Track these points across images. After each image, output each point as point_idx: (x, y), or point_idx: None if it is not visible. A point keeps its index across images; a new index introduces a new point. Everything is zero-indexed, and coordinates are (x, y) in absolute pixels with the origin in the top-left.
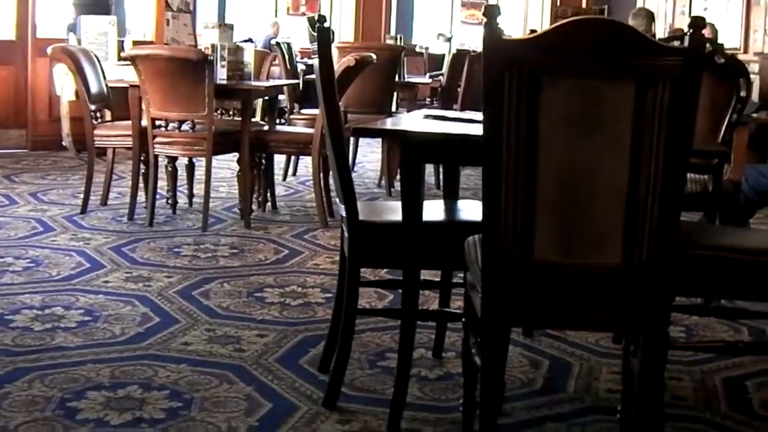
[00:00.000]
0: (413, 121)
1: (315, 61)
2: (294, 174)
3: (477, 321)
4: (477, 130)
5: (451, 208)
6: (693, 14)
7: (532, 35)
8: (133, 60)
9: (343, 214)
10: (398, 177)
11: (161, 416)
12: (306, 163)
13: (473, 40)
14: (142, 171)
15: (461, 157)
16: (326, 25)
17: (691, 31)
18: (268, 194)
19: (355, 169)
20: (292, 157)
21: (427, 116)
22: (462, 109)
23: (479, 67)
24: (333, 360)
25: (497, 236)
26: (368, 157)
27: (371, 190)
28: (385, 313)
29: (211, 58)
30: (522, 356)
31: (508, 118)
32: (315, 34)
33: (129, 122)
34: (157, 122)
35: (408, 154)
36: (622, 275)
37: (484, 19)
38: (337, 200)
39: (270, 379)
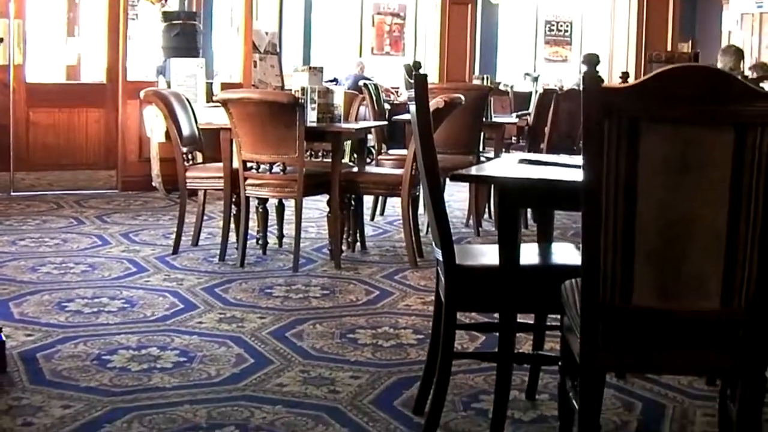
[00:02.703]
0: (509, 166)
1: (411, 108)
2: (382, 214)
3: (575, 365)
4: (573, 175)
5: (545, 252)
6: None
7: (632, 83)
8: (224, 104)
9: (439, 257)
10: (486, 216)
11: None
12: (393, 203)
13: (557, 77)
14: (233, 212)
15: (558, 203)
16: (423, 72)
17: None
18: (358, 235)
19: None
20: (380, 197)
21: (522, 160)
22: (549, 148)
23: (566, 106)
24: (428, 402)
25: (596, 282)
26: (455, 197)
27: (459, 230)
28: (482, 357)
29: (302, 101)
30: (615, 398)
31: (607, 164)
32: (411, 81)
33: (220, 164)
34: (248, 164)
35: (506, 201)
36: (721, 320)
37: (584, 67)
38: (432, 243)
39: (365, 421)
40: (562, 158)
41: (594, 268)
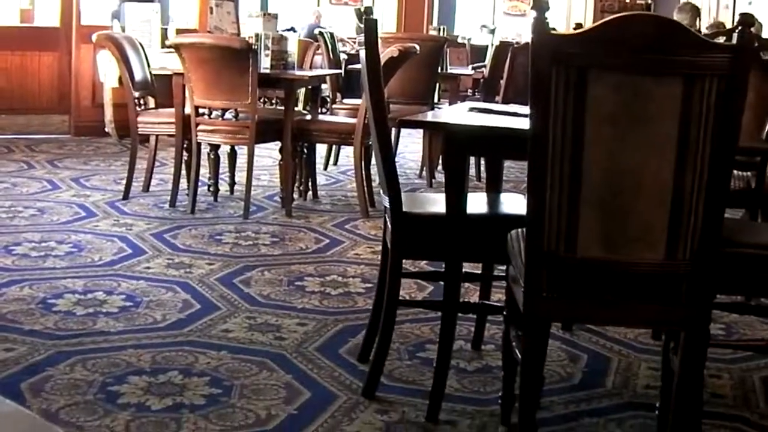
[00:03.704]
0: (458, 113)
1: (361, 53)
2: (335, 163)
3: (518, 315)
4: (522, 123)
5: (494, 202)
6: (737, 9)
7: (580, 30)
8: (177, 48)
9: (387, 205)
10: (440, 168)
11: (201, 402)
12: (347, 153)
13: (515, 31)
14: (185, 158)
15: (505, 151)
16: (373, 17)
17: (739, 28)
18: (310, 183)
19: (397, 159)
20: (334, 147)
21: (471, 109)
22: (504, 101)
23: (522, 59)
24: (373, 350)
25: (541, 231)
26: (409, 148)
27: (412, 181)
28: (427, 305)
29: (255, 47)
30: (561, 350)
31: (554, 113)
32: (362, 25)
33: (172, 110)
34: (201, 110)
35: (453, 147)
36: (665, 272)
37: (533, 13)
38: (381, 191)
39: (310, 368)
40: (512, 107)
41: (539, 216)
